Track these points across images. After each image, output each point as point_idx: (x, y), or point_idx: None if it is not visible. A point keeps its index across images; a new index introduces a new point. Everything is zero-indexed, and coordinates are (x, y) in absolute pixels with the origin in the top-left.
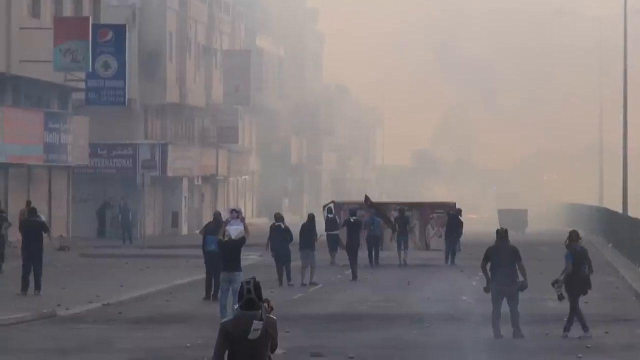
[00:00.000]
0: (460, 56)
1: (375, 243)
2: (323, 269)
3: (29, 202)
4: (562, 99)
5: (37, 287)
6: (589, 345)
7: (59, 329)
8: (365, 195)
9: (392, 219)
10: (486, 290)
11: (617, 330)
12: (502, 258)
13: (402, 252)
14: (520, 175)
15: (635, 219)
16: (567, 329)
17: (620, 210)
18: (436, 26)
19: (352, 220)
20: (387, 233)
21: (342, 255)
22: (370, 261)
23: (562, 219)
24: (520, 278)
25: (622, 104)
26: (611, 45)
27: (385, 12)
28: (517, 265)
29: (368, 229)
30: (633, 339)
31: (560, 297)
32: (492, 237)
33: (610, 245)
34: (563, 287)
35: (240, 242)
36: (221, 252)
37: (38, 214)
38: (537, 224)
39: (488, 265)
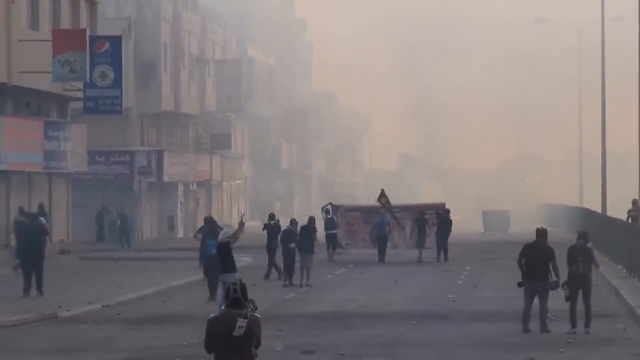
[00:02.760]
0: (444, 62)
1: (383, 242)
2: (317, 268)
3: (21, 209)
4: (543, 105)
5: (39, 289)
6: (570, 340)
7: (59, 330)
8: (382, 190)
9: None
10: (520, 285)
11: (598, 325)
12: (538, 256)
13: (421, 250)
14: (503, 177)
15: (613, 219)
16: (586, 324)
17: (600, 212)
18: (420, 35)
19: (271, 224)
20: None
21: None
22: (381, 259)
23: (543, 220)
24: (554, 277)
25: (600, 109)
26: (590, 52)
27: (371, 22)
28: (550, 265)
29: (377, 228)
30: (612, 334)
31: (567, 298)
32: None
33: (590, 244)
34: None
35: (225, 244)
36: (217, 255)
37: (39, 218)
38: (520, 225)
39: (523, 261)
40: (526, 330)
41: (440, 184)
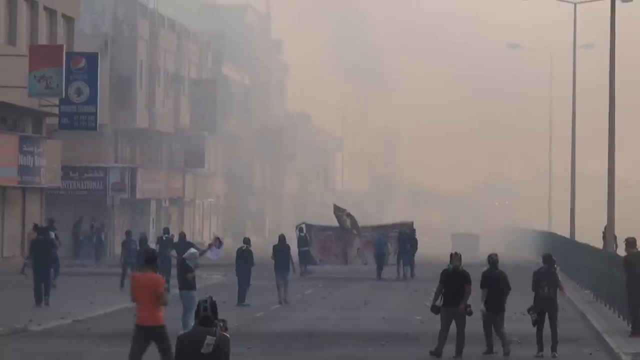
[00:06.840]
0: (416, 87)
1: (381, 259)
2: (291, 284)
3: (35, 225)
4: (514, 129)
5: (47, 300)
6: None
7: (30, 344)
8: (335, 205)
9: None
10: (433, 310)
11: (564, 349)
12: (454, 281)
13: (403, 267)
14: (473, 201)
15: (580, 243)
16: (553, 348)
17: (568, 236)
18: (392, 57)
19: (243, 249)
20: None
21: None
22: (379, 275)
23: (511, 243)
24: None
25: (570, 134)
26: (561, 78)
27: (343, 46)
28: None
29: (375, 246)
30: (579, 359)
31: (534, 322)
32: (444, 259)
33: (557, 268)
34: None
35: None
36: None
37: (49, 232)
38: (488, 248)
39: (442, 288)
40: (439, 354)
41: (411, 207)
